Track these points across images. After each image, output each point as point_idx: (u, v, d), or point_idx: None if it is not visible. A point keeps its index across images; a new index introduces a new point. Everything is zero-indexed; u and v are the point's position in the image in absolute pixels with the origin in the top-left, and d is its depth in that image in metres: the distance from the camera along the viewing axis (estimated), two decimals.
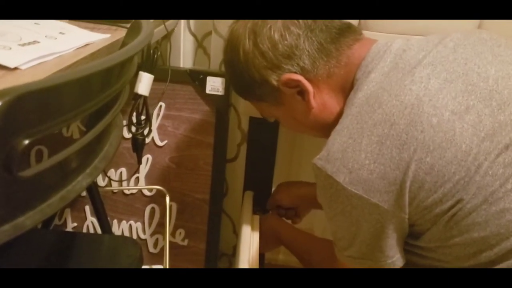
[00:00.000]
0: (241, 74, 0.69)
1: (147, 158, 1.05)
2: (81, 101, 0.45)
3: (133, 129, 0.90)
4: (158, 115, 1.02)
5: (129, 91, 0.77)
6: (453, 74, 0.58)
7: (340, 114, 0.63)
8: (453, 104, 0.55)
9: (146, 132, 0.92)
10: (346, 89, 0.65)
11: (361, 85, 0.61)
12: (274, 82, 0.66)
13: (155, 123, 1.03)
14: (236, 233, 1.19)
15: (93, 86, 0.47)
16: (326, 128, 0.66)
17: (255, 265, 0.82)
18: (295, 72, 0.65)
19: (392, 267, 0.63)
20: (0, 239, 0.39)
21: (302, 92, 0.67)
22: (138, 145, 0.91)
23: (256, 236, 0.91)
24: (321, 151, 0.60)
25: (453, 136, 0.54)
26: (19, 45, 0.54)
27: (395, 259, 0.62)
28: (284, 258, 1.24)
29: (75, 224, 1.10)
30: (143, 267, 0.78)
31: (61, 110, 0.42)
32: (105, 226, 0.89)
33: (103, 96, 0.50)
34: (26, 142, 0.37)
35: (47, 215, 0.44)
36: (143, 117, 0.89)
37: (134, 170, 1.05)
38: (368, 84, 0.60)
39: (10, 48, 0.53)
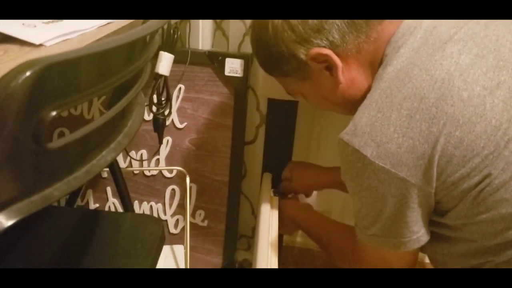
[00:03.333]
0: (268, 49, 0.68)
1: (167, 140, 1.06)
2: (106, 75, 0.46)
3: (154, 109, 0.91)
4: (177, 97, 1.03)
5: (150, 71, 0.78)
6: (484, 49, 0.57)
7: (368, 91, 0.62)
8: (484, 79, 0.55)
9: (166, 112, 0.92)
10: (375, 65, 0.64)
11: (390, 60, 0.60)
12: (302, 57, 0.66)
13: (174, 105, 1.03)
14: (255, 215, 1.20)
15: (117, 60, 0.48)
16: (353, 104, 0.66)
17: (275, 247, 0.82)
18: (324, 47, 0.64)
19: (416, 243, 0.62)
20: (29, 209, 0.40)
21: (330, 67, 0.66)
22: (159, 125, 0.91)
23: (275, 218, 0.91)
24: (345, 128, 0.59)
25: (483, 110, 0.53)
26: (43, 23, 0.55)
27: (420, 235, 0.62)
28: (302, 240, 1.25)
29: (97, 205, 1.12)
30: (164, 246, 0.78)
31: (86, 83, 0.43)
32: (128, 205, 0.90)
33: (127, 71, 0.50)
34: (54, 113, 0.38)
35: (74, 187, 0.45)
36: (163, 98, 0.90)
37: (154, 152, 1.06)
38: (397, 59, 0.59)
39: (35, 26, 0.54)
